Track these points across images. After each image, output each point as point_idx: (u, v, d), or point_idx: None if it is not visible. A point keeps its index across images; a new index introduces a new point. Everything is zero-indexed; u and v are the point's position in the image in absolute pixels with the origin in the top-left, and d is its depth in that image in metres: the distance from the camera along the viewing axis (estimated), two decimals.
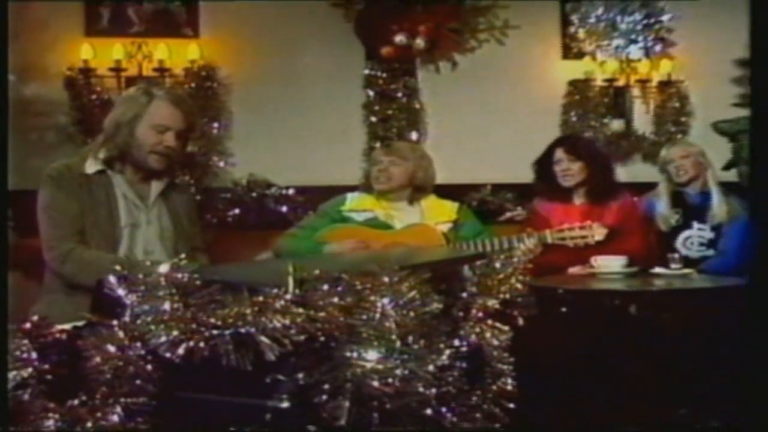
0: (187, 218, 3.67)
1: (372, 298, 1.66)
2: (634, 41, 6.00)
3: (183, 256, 1.78)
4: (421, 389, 1.65)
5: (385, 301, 1.66)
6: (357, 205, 4.40)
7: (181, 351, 1.52)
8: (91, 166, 3.44)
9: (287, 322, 1.53)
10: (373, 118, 6.12)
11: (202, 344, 1.51)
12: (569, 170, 4.56)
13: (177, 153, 3.51)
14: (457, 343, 1.99)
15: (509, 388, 2.13)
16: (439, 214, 4.39)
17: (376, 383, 1.57)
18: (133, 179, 3.49)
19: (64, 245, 3.31)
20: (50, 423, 1.52)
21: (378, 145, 5.52)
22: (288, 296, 1.58)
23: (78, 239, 3.33)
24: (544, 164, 4.68)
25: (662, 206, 4.78)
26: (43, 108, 5.66)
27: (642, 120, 6.46)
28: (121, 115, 3.45)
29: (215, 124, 5.88)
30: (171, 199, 3.60)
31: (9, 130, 2.43)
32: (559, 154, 4.62)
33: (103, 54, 5.68)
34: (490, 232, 4.50)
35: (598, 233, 4.22)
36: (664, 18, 6.00)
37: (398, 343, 1.63)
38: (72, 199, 3.36)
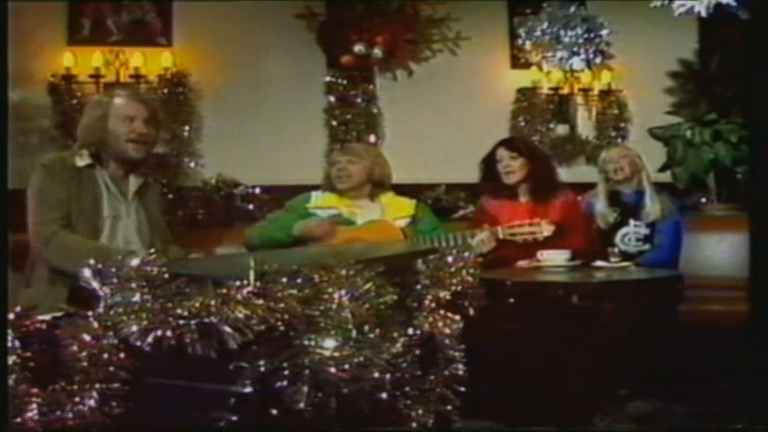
0: (158, 213, 3.78)
1: (329, 290, 1.66)
2: (577, 53, 6.01)
3: (153, 250, 1.77)
4: (376, 375, 1.65)
5: (342, 292, 1.66)
6: (322, 202, 4.41)
7: (150, 339, 1.51)
8: (81, 160, 3.51)
9: (249, 312, 1.53)
10: (334, 122, 6.13)
11: (169, 333, 1.50)
12: (510, 167, 4.52)
13: (150, 138, 3.62)
14: (411, 331, 2.00)
15: (460, 373, 2.14)
16: (398, 210, 4.41)
17: (333, 369, 1.57)
18: (115, 175, 3.57)
19: (50, 228, 3.35)
20: (33, 407, 1.52)
21: (338, 147, 5.52)
22: (249, 288, 1.58)
23: (63, 224, 3.38)
24: (488, 163, 4.67)
25: (600, 205, 4.80)
26: (28, 112, 5.63)
27: (585, 125, 6.51)
28: (90, 118, 3.59)
29: (186, 128, 5.87)
30: (145, 196, 3.69)
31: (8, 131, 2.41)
32: (501, 152, 4.59)
33: (84, 62, 5.67)
34: (446, 227, 4.52)
35: (547, 229, 4.22)
36: (603, 33, 6.01)
37: (354, 332, 1.63)
38: (61, 187, 3.42)
